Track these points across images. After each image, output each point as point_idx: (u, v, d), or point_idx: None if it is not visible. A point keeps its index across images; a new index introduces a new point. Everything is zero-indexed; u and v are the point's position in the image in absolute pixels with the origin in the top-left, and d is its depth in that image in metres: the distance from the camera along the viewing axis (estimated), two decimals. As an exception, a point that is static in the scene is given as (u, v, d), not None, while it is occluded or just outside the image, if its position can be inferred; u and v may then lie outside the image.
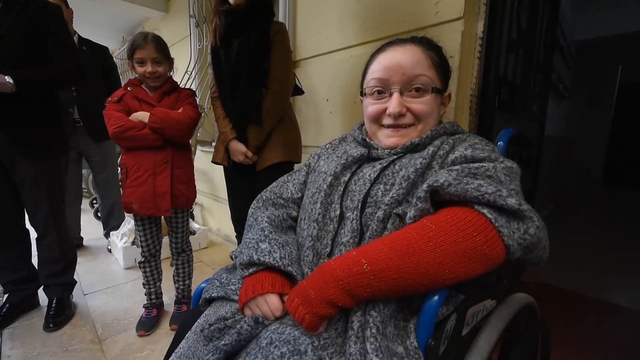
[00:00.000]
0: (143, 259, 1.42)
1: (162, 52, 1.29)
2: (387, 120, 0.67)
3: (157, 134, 1.25)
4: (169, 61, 1.33)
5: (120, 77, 2.35)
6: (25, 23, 1.23)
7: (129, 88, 1.30)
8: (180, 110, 1.30)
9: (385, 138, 0.67)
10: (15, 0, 1.23)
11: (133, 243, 2.02)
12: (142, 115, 1.24)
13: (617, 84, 4.71)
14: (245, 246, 0.63)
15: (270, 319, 0.53)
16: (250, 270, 0.60)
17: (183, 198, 1.35)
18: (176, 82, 1.40)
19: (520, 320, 0.67)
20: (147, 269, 1.43)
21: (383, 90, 0.67)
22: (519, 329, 0.68)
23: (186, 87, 2.56)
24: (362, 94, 0.72)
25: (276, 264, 0.58)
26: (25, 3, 1.24)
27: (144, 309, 1.46)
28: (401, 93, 0.65)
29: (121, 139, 1.23)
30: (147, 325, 1.39)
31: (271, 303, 0.54)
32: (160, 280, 1.49)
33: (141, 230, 1.38)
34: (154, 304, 1.47)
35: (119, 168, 1.36)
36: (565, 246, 2.48)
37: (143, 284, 1.46)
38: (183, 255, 1.48)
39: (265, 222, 0.66)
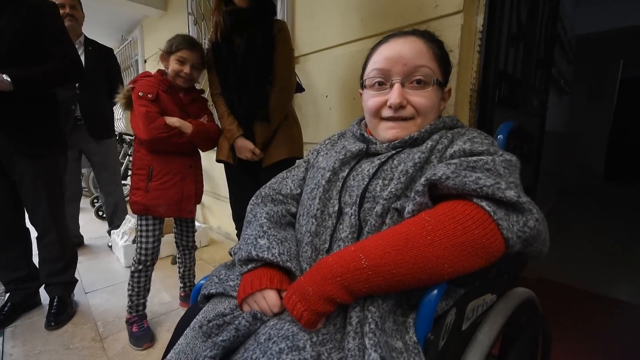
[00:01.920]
0: (141, 266, 1.29)
1: (203, 61, 1.31)
2: (386, 113, 0.66)
3: (193, 143, 1.29)
4: (201, 71, 1.34)
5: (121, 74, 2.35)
6: (20, 21, 1.22)
7: (168, 89, 1.26)
8: (205, 121, 1.34)
9: (385, 130, 0.66)
10: None
11: (134, 241, 2.00)
12: (181, 124, 1.24)
13: (618, 78, 4.68)
14: (244, 242, 0.62)
15: (268, 315, 0.53)
16: (249, 267, 0.59)
17: (199, 197, 1.42)
18: (202, 90, 1.42)
19: (520, 315, 0.67)
20: (142, 278, 1.31)
21: (384, 81, 0.66)
22: (520, 323, 0.67)
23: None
24: (362, 85, 0.71)
25: (275, 260, 0.57)
26: (21, 1, 1.23)
27: (130, 324, 1.32)
28: (402, 85, 0.64)
29: (161, 143, 1.21)
30: (146, 337, 1.29)
31: (269, 299, 0.54)
32: (148, 290, 1.37)
33: (151, 231, 1.30)
34: (143, 315, 1.36)
35: (130, 166, 1.33)
36: (566, 241, 2.48)
37: (131, 295, 1.31)
38: (192, 251, 1.54)
39: (264, 218, 0.66)
